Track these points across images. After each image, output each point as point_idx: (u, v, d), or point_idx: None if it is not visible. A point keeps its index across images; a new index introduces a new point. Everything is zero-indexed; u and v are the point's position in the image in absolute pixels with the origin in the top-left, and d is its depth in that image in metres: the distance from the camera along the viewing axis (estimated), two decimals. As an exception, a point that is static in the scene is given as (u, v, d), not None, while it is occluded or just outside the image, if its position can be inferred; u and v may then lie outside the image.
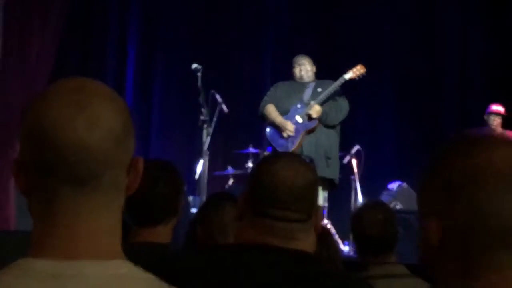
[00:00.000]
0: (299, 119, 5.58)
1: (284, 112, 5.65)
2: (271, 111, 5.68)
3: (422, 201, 1.04)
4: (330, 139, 5.63)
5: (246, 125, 7.38)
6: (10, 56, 4.72)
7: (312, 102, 5.57)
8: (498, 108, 6.27)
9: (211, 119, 5.72)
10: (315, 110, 5.54)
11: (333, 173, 5.58)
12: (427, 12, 7.76)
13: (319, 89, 5.67)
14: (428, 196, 1.03)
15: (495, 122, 6.24)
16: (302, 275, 1.45)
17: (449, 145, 1.02)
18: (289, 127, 5.54)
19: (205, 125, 5.61)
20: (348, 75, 5.66)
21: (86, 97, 0.93)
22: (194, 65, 5.68)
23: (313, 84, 5.77)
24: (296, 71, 5.83)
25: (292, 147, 5.48)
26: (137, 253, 1.20)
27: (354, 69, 5.69)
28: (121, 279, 0.92)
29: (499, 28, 7.30)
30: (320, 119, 5.57)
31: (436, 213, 1.00)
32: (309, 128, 5.56)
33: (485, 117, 6.32)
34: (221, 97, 6.00)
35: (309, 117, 5.58)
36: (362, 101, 7.48)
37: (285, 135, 5.56)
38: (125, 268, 0.94)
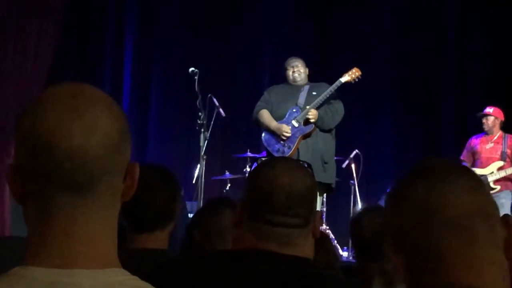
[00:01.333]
0: (295, 123, 5.56)
1: (279, 117, 5.60)
2: (265, 116, 5.63)
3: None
4: (327, 143, 5.62)
5: (244, 129, 7.37)
6: (6, 59, 4.70)
7: (308, 107, 5.55)
8: (487, 109, 6.26)
9: (208, 123, 5.72)
10: (312, 114, 5.52)
11: (330, 177, 5.56)
12: (425, 14, 7.76)
13: (314, 93, 5.63)
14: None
15: (485, 124, 6.24)
16: (301, 281, 1.45)
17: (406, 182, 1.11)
18: (285, 129, 5.51)
19: (202, 129, 5.60)
20: (344, 79, 5.63)
21: (82, 103, 0.92)
22: (191, 69, 5.67)
23: (307, 87, 5.72)
24: (289, 73, 5.76)
25: (288, 152, 5.46)
26: (134, 259, 1.19)
27: (350, 72, 5.67)
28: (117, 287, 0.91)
29: (498, 30, 7.30)
30: (316, 123, 5.54)
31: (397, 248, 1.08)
32: (306, 133, 5.54)
33: (482, 120, 6.32)
34: (219, 101, 6.00)
35: (306, 122, 5.56)
36: (361, 105, 7.50)
37: (283, 137, 5.53)
38: (121, 277, 0.93)
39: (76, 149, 0.90)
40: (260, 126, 5.67)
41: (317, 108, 5.55)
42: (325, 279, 1.51)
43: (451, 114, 7.66)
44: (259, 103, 5.75)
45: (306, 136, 5.55)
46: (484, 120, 6.25)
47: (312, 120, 5.52)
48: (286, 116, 5.60)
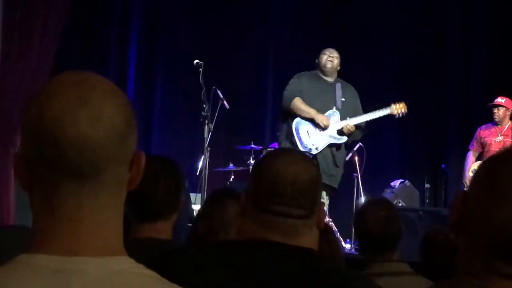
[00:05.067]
0: (332, 128, 5.53)
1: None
2: (300, 103, 5.52)
3: (470, 185, 1.10)
4: (341, 149, 5.65)
5: (248, 121, 7.38)
6: (10, 51, 4.71)
7: (349, 118, 5.54)
8: (498, 99, 6.21)
9: (212, 115, 5.72)
10: (349, 130, 5.52)
11: (336, 182, 5.58)
12: (431, 10, 7.74)
13: (343, 99, 5.62)
14: (474, 179, 1.08)
15: (496, 115, 6.19)
16: (304, 272, 1.45)
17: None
18: (326, 122, 5.47)
19: (207, 121, 5.60)
20: (388, 111, 5.66)
21: (88, 92, 0.92)
22: (196, 61, 5.67)
23: (338, 86, 5.67)
24: (324, 57, 5.66)
25: (314, 153, 5.44)
26: (138, 248, 1.19)
27: (397, 106, 5.68)
28: (123, 275, 0.92)
29: (504, 19, 7.26)
30: (347, 136, 5.57)
31: (468, 194, 1.06)
32: (337, 143, 5.56)
33: (492, 110, 6.26)
34: (223, 93, 6.00)
35: (340, 132, 5.54)
36: (364, 98, 7.46)
37: (322, 125, 5.48)
38: (127, 264, 0.94)
39: (82, 138, 0.90)
40: (295, 113, 5.55)
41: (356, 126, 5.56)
42: (329, 270, 1.52)
43: (455, 107, 7.64)
44: (290, 88, 5.63)
45: (334, 145, 5.56)
46: (495, 110, 6.18)
47: (346, 132, 5.51)
48: (327, 114, 5.55)
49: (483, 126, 6.30)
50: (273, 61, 7.85)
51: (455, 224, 1.06)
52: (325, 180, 5.00)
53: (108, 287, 0.90)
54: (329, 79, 5.70)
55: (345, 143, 5.66)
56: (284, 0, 8.00)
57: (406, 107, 5.73)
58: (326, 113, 5.58)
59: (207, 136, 5.62)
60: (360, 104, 5.77)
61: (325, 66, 5.66)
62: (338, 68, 5.76)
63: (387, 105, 5.76)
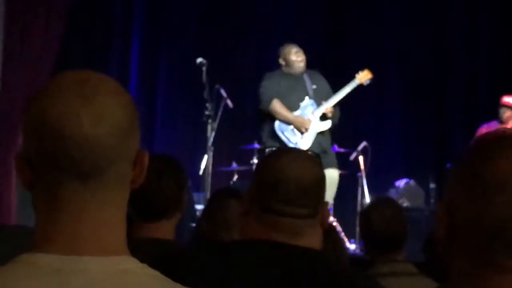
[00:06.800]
0: (312, 118, 5.56)
1: (289, 108, 5.59)
2: (279, 107, 5.58)
3: (447, 187, 1.05)
4: (325, 134, 5.66)
5: (251, 120, 7.35)
6: (12, 50, 4.71)
7: (324, 102, 5.58)
8: (509, 100, 6.14)
9: (215, 114, 5.71)
10: (330, 111, 5.56)
11: (332, 163, 5.57)
12: (434, 10, 7.72)
13: (314, 86, 5.65)
14: (453, 184, 1.03)
15: (505, 115, 6.12)
16: (308, 272, 1.44)
17: (493, 143, 1.01)
18: (307, 124, 5.52)
19: (210, 120, 5.60)
20: (357, 81, 5.68)
21: (91, 90, 0.92)
22: (199, 60, 5.67)
23: (306, 76, 5.71)
24: (294, 59, 5.68)
25: (305, 147, 5.46)
26: (141, 248, 1.18)
27: (362, 74, 5.70)
28: (126, 275, 0.91)
29: (507, 24, 7.25)
30: (332, 120, 5.60)
31: (451, 202, 1.01)
32: (324, 129, 5.58)
33: (498, 109, 6.20)
34: (226, 92, 5.98)
35: (323, 117, 5.58)
36: (369, 98, 7.47)
37: (303, 130, 5.52)
38: (130, 264, 0.93)
39: (85, 137, 0.90)
40: (275, 116, 5.60)
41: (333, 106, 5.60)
42: (334, 271, 1.51)
43: (460, 106, 7.63)
44: (264, 91, 5.65)
45: (322, 132, 5.58)
46: (504, 110, 6.12)
47: (329, 116, 5.54)
48: (301, 109, 5.59)
49: (485, 125, 6.27)
50: (277, 60, 7.83)
51: (445, 238, 1.01)
52: None
53: (110, 287, 0.90)
54: (297, 73, 5.72)
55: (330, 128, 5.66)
56: (288, 1, 7.99)
57: (370, 72, 5.74)
58: (302, 105, 5.60)
59: (210, 135, 5.62)
60: (329, 87, 5.78)
61: (299, 69, 5.67)
62: None
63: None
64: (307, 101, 5.63)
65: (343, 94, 5.65)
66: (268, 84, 5.68)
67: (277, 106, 5.59)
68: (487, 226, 0.95)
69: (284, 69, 5.75)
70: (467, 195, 0.98)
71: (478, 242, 0.96)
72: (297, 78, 5.70)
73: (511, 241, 0.93)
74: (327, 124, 5.61)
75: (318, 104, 5.63)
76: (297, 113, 5.59)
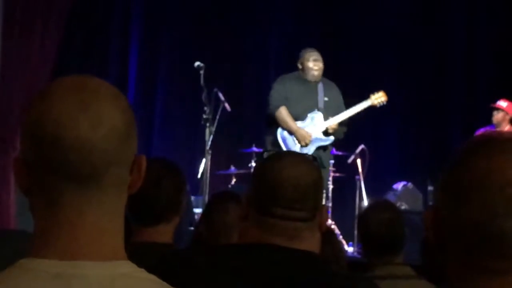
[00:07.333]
0: (315, 131, 5.53)
1: (296, 116, 5.53)
2: (285, 115, 5.53)
3: (434, 194, 1.04)
4: (327, 149, 5.70)
5: (249, 123, 7.36)
6: (10, 52, 4.70)
7: (330, 118, 5.53)
8: (499, 102, 6.18)
9: (213, 118, 5.71)
10: (333, 129, 5.52)
11: (324, 182, 5.57)
12: (434, 10, 7.73)
13: (326, 98, 5.60)
14: (436, 189, 1.02)
15: (495, 118, 6.16)
16: (307, 275, 1.44)
17: (471, 145, 1.01)
18: (308, 138, 5.49)
19: (208, 124, 5.60)
20: (369, 102, 5.64)
21: (89, 96, 0.92)
22: (197, 63, 5.67)
23: (320, 86, 5.64)
24: (310, 66, 5.59)
25: None
26: (140, 252, 1.18)
27: (377, 96, 5.67)
28: (124, 279, 0.91)
29: (506, 24, 7.25)
30: (333, 135, 5.59)
31: (438, 208, 1.00)
32: (324, 144, 5.56)
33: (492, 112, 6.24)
34: (224, 95, 5.98)
35: (326, 132, 5.55)
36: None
37: (303, 144, 5.50)
38: (128, 269, 0.93)
39: (82, 141, 0.90)
40: (278, 124, 5.57)
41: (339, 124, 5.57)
42: (332, 274, 1.51)
43: (459, 109, 7.63)
44: (274, 96, 5.62)
45: (320, 147, 5.57)
46: (494, 113, 6.17)
47: (331, 132, 5.52)
48: (307, 120, 5.55)
49: (482, 130, 6.30)
50: (275, 63, 7.84)
51: (435, 243, 1.01)
52: None
53: (108, 292, 0.89)
54: (311, 80, 5.67)
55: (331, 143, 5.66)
56: (286, 3, 8.00)
57: (385, 95, 5.69)
58: (309, 115, 5.56)
59: (209, 138, 5.61)
60: (342, 101, 5.73)
61: (314, 77, 5.60)
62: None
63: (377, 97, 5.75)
64: (315, 113, 5.59)
65: (353, 113, 5.60)
66: (279, 89, 5.65)
67: (283, 113, 5.55)
68: (469, 229, 0.94)
69: (300, 73, 5.70)
70: (448, 198, 0.97)
71: (464, 246, 0.95)
72: (310, 86, 5.64)
73: (493, 244, 0.92)
74: (328, 140, 5.58)
75: (326, 117, 5.57)
76: (303, 123, 5.56)
